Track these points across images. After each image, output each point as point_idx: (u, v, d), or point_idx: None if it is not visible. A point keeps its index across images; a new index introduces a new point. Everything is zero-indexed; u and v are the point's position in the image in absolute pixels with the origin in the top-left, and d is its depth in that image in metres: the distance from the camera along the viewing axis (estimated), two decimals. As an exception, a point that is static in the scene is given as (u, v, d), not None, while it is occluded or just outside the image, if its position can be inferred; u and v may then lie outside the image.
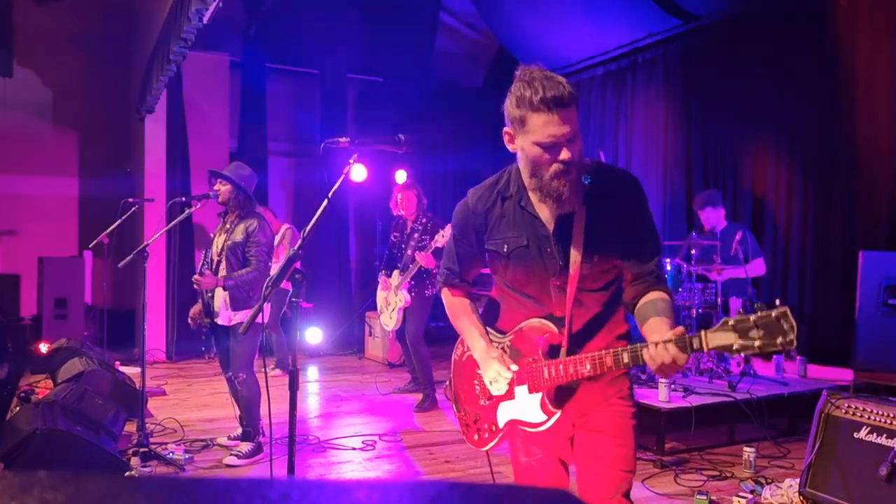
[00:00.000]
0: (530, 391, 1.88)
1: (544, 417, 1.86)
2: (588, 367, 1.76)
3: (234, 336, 4.18)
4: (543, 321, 1.89)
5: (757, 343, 1.48)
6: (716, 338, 1.54)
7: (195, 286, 4.17)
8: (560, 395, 1.88)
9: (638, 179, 1.92)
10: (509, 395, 1.92)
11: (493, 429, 2.00)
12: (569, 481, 2.11)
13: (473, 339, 2.00)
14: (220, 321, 4.20)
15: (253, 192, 4.36)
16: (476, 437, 2.05)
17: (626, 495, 1.92)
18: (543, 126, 1.70)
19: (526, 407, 1.90)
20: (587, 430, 1.94)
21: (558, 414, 1.85)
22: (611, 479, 1.90)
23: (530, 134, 1.73)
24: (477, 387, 2.03)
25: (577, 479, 1.98)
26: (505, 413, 1.96)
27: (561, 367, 1.81)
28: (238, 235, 4.20)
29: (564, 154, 1.72)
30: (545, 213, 1.86)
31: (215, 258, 4.28)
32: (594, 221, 1.82)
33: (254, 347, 4.29)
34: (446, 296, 2.17)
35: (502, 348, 1.96)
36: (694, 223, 6.47)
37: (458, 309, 2.11)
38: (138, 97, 7.38)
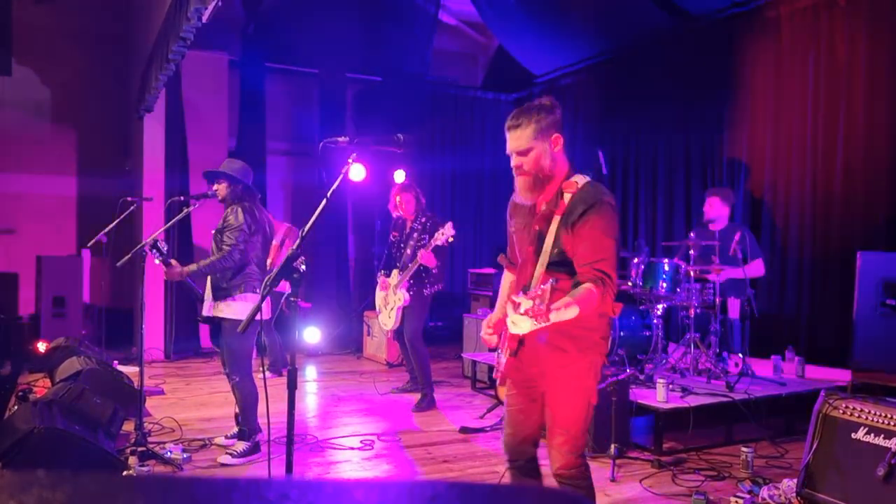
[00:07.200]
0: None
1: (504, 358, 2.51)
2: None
3: (226, 333, 4.13)
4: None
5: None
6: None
7: (166, 277, 4.14)
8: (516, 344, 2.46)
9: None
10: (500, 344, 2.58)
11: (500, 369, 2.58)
12: (533, 418, 2.57)
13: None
14: (204, 312, 4.20)
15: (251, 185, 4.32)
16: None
17: (572, 451, 2.42)
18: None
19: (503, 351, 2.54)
20: (546, 385, 2.46)
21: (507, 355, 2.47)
22: (553, 432, 2.44)
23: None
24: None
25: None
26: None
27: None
28: (221, 223, 4.18)
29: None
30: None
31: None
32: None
33: (247, 348, 4.21)
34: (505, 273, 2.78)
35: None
36: (693, 223, 6.48)
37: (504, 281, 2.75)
38: (137, 96, 7.37)
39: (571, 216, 2.31)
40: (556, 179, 2.39)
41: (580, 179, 2.38)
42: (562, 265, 2.33)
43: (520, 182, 2.41)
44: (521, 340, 2.41)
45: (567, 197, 2.35)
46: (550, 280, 2.09)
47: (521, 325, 2.03)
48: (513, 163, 2.40)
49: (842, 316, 5.25)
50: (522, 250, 2.49)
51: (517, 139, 2.37)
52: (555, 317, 2.08)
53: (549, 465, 2.48)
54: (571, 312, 2.13)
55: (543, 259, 2.36)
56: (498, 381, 2.60)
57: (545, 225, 2.38)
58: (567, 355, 2.37)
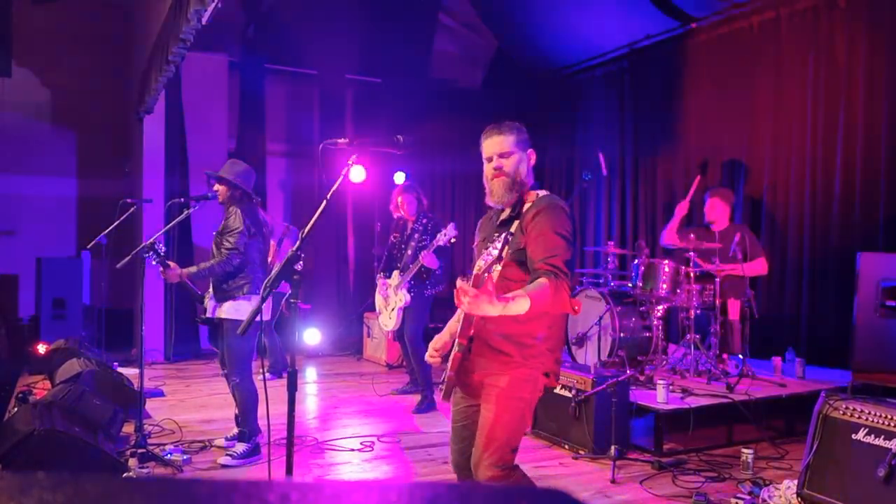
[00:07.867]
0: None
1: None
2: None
3: (226, 334, 4.13)
4: None
5: None
6: None
7: (164, 279, 4.14)
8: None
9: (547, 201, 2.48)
10: None
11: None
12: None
13: None
14: (207, 314, 4.20)
15: (252, 188, 4.33)
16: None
17: (497, 464, 2.34)
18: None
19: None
20: (484, 392, 2.44)
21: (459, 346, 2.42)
22: (479, 440, 2.40)
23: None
24: None
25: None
26: None
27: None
28: (221, 225, 4.19)
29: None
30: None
31: None
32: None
33: (248, 349, 4.20)
34: None
35: None
36: (693, 223, 6.47)
37: None
38: (137, 97, 7.37)
39: (525, 219, 2.45)
40: (523, 190, 2.54)
41: (540, 192, 2.55)
42: (517, 265, 2.41)
43: (497, 183, 2.51)
44: (470, 338, 2.39)
45: (527, 206, 2.49)
46: (496, 266, 2.19)
47: (474, 305, 2.07)
48: (492, 166, 2.53)
49: (842, 317, 5.25)
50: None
51: (500, 143, 2.53)
52: (505, 307, 2.14)
53: (473, 476, 2.40)
54: (522, 304, 2.18)
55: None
56: (442, 396, 2.51)
57: (505, 229, 2.48)
58: (510, 361, 2.39)
